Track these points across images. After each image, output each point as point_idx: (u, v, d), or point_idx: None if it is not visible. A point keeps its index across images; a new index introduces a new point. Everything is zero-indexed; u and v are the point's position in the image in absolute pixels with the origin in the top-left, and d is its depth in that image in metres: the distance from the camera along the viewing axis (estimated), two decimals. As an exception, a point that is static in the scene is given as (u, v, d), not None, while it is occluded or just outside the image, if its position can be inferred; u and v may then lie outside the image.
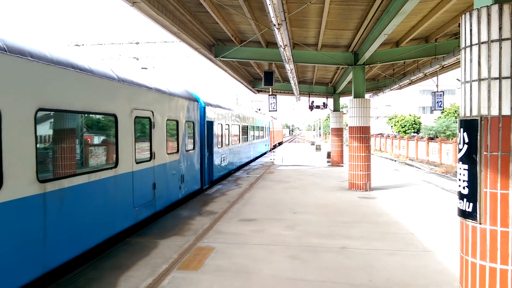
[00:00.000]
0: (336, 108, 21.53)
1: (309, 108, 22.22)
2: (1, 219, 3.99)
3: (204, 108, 12.07)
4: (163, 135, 8.37)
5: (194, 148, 10.84)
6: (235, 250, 6.03)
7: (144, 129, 7.60)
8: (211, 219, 8.10)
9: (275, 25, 6.76)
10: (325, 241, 6.51)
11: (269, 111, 16.44)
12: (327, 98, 22.53)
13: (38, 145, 4.58)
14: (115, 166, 6.32)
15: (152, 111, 7.80)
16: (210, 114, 12.81)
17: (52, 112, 4.95)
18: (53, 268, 4.77)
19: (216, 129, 13.68)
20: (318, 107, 22.50)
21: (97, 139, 6.40)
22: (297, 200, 10.17)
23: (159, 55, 48.76)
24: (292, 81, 15.14)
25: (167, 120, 8.67)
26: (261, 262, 5.52)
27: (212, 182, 13.30)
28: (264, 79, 13.62)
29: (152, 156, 7.77)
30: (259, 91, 22.91)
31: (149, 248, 6.15)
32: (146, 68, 24.74)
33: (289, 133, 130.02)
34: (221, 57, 12.30)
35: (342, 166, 19.42)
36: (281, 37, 7.74)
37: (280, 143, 50.73)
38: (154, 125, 7.87)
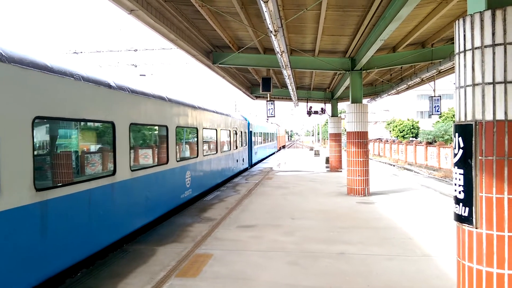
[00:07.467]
0: (334, 114, 21.56)
1: (307, 113, 22.26)
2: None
3: (249, 123, 21.81)
4: (239, 138, 18.08)
5: (246, 145, 20.71)
6: (233, 257, 6.02)
7: (233, 135, 16.70)
8: (210, 225, 8.09)
9: (272, 31, 6.81)
10: (323, 247, 6.50)
11: (267, 117, 16.53)
12: (325, 104, 22.56)
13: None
14: (229, 150, 15.58)
15: (236, 127, 17.43)
16: (251, 127, 22.63)
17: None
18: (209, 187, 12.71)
19: (253, 136, 23.62)
20: (316, 112, 22.52)
21: (229, 139, 15.77)
22: (296, 206, 10.17)
23: (157, 62, 49.03)
24: (290, 87, 15.19)
25: (238, 131, 17.90)
26: (260, 268, 5.51)
27: (251, 166, 22.91)
28: (262, 85, 13.68)
29: (236, 147, 17.30)
30: (257, 97, 22.94)
31: (147, 255, 6.13)
32: (145, 75, 24.81)
33: (288, 138, 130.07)
34: (219, 64, 12.34)
35: (341, 171, 19.41)
36: (278, 43, 7.79)
37: (283, 146, 61.69)
38: (236, 133, 17.39)
